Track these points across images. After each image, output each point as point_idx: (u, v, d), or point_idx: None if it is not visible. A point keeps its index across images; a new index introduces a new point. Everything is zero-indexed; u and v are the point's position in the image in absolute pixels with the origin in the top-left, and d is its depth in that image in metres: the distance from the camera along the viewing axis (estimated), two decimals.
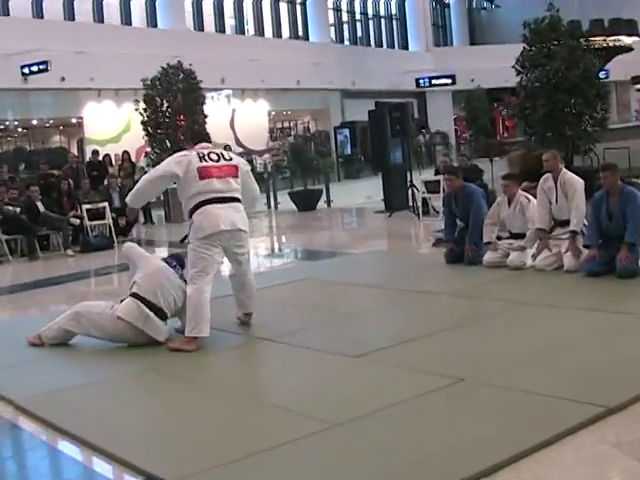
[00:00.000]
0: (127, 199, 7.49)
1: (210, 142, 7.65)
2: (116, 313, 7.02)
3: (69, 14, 28.43)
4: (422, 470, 4.20)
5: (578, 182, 9.21)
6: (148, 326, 7.02)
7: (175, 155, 7.38)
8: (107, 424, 5.29)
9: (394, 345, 6.63)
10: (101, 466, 4.70)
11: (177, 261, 7.52)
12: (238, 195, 7.28)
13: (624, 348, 6.09)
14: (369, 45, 42.59)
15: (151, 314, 7.00)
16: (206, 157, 7.21)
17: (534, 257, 9.40)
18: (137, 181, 19.91)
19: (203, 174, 7.11)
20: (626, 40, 22.64)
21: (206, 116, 21.68)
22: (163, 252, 15.62)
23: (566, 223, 9.18)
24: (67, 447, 5.06)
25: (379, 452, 4.43)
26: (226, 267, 10.85)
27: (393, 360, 6.20)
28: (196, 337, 6.93)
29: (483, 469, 4.07)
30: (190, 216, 7.15)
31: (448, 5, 48.74)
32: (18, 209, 15.19)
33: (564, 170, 9.37)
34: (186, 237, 7.43)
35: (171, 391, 6.03)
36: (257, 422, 5.11)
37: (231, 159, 7.43)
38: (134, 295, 7.07)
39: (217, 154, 7.36)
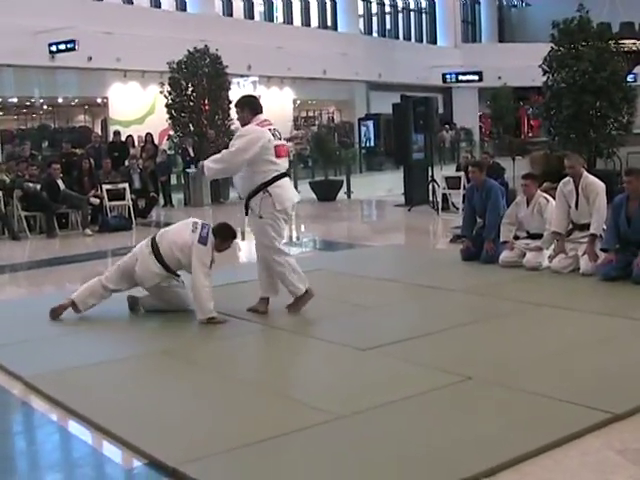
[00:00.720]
0: (206, 172, 7.43)
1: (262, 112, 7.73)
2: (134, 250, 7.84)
3: None
4: (423, 466, 4.19)
5: (600, 186, 9.14)
6: (142, 258, 7.58)
7: (250, 131, 7.41)
8: (115, 405, 5.31)
9: (405, 340, 6.62)
10: (105, 447, 4.73)
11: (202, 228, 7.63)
12: None
13: (636, 354, 6.06)
14: (397, 38, 42.45)
15: (151, 256, 7.55)
16: (274, 135, 7.50)
17: (551, 258, 9.36)
18: (159, 164, 20.30)
19: (278, 152, 7.44)
20: None
21: (230, 102, 21.67)
22: None
23: (585, 227, 9.12)
24: (73, 426, 5.08)
25: (382, 445, 4.43)
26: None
27: (403, 355, 6.19)
28: (305, 293, 7.53)
29: (485, 469, 4.06)
30: (262, 188, 7.31)
31: (478, 1, 48.52)
32: (38, 186, 15.24)
33: (585, 174, 9.30)
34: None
35: (182, 375, 6.05)
36: (264, 411, 5.12)
37: (282, 139, 7.81)
38: None
39: (277, 132, 7.64)
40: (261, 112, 7.65)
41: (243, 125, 7.59)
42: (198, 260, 7.33)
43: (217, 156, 7.51)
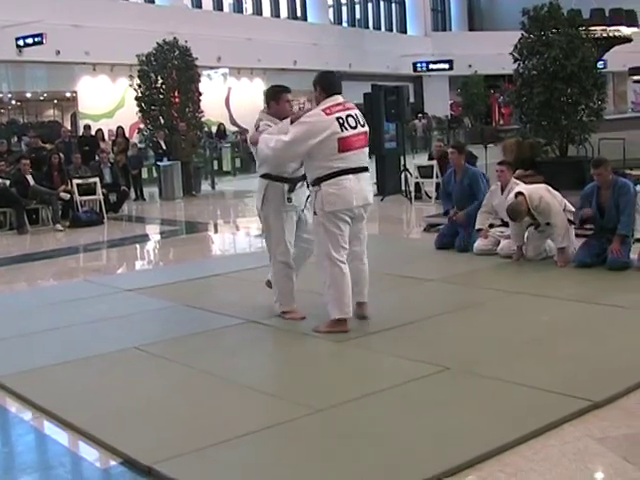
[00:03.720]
0: (259, 149, 6.52)
1: (341, 93, 6.62)
2: None
3: None
4: (403, 458, 4.14)
5: (550, 203, 8.85)
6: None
7: (313, 119, 6.36)
8: (88, 403, 5.24)
9: (382, 331, 6.57)
10: (79, 446, 4.66)
11: None
12: (367, 164, 6.63)
13: (612, 341, 6.05)
14: (367, 28, 42.37)
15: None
16: (345, 124, 6.33)
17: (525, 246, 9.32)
18: (130, 157, 20.14)
19: (343, 147, 6.31)
20: (626, 31, 22.49)
21: (201, 94, 21.57)
22: (154, 229, 15.59)
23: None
24: (46, 426, 5.01)
25: (361, 438, 4.38)
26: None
27: (380, 346, 6.16)
28: (344, 319, 6.52)
29: (465, 461, 4.02)
30: (317, 183, 6.39)
31: None
32: (7, 182, 15.07)
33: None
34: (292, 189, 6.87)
35: (156, 373, 5.96)
36: (240, 407, 5.05)
37: (364, 124, 6.56)
38: None
39: (354, 117, 6.44)
40: (339, 92, 6.53)
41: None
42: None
43: (272, 140, 6.42)
